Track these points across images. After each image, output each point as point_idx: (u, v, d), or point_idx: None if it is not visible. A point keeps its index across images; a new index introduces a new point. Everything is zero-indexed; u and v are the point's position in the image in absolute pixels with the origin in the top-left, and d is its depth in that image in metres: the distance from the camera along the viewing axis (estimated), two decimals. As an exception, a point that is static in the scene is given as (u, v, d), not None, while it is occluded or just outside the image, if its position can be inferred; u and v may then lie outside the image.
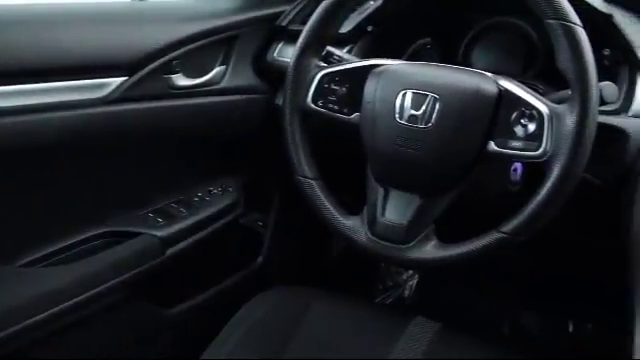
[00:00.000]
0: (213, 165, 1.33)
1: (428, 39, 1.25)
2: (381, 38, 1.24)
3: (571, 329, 1.61)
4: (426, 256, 0.88)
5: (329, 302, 1.09)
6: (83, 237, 1.12)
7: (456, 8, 1.21)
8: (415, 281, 1.78)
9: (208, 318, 1.11)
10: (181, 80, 1.15)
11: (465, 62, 1.23)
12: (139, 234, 1.15)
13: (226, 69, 1.23)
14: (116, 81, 1.05)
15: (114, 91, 1.05)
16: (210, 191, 1.30)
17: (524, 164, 1.00)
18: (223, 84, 1.23)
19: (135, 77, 1.07)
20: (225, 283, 1.38)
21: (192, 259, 1.22)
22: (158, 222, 1.18)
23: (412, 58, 1.25)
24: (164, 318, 1.26)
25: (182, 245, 1.20)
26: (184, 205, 1.25)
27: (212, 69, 1.21)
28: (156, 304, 1.23)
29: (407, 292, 1.77)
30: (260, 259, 1.46)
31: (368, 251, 0.92)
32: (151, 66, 1.09)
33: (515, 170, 1.00)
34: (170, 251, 1.17)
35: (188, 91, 1.17)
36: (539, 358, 1.16)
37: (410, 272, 1.79)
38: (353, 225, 0.94)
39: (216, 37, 1.20)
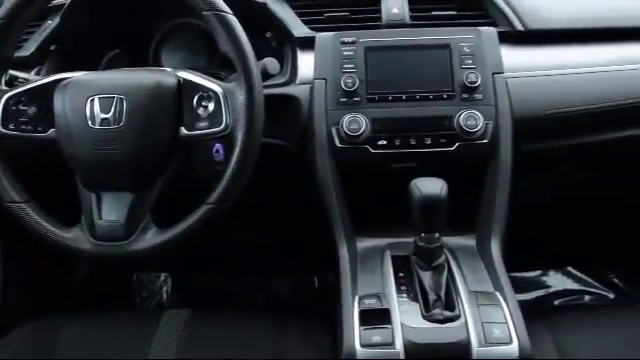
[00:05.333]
0: None
1: (117, 50, 1.30)
2: (69, 56, 1.25)
3: (317, 284, 1.80)
4: (148, 244, 0.94)
5: (81, 326, 1.09)
6: None
7: (135, 18, 1.27)
8: (169, 284, 1.82)
9: None
10: None
11: (156, 64, 1.31)
12: None
13: None
14: None
15: None
16: None
17: (224, 145, 1.11)
18: None
19: None
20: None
21: None
22: None
23: (107, 69, 1.28)
24: None
25: None
26: None
27: None
28: None
29: (165, 296, 1.81)
30: None
31: (95, 255, 0.95)
32: None
33: (218, 151, 1.11)
34: None
35: None
36: (286, 315, 1.29)
37: (163, 277, 1.82)
38: (74, 236, 0.96)
39: None
